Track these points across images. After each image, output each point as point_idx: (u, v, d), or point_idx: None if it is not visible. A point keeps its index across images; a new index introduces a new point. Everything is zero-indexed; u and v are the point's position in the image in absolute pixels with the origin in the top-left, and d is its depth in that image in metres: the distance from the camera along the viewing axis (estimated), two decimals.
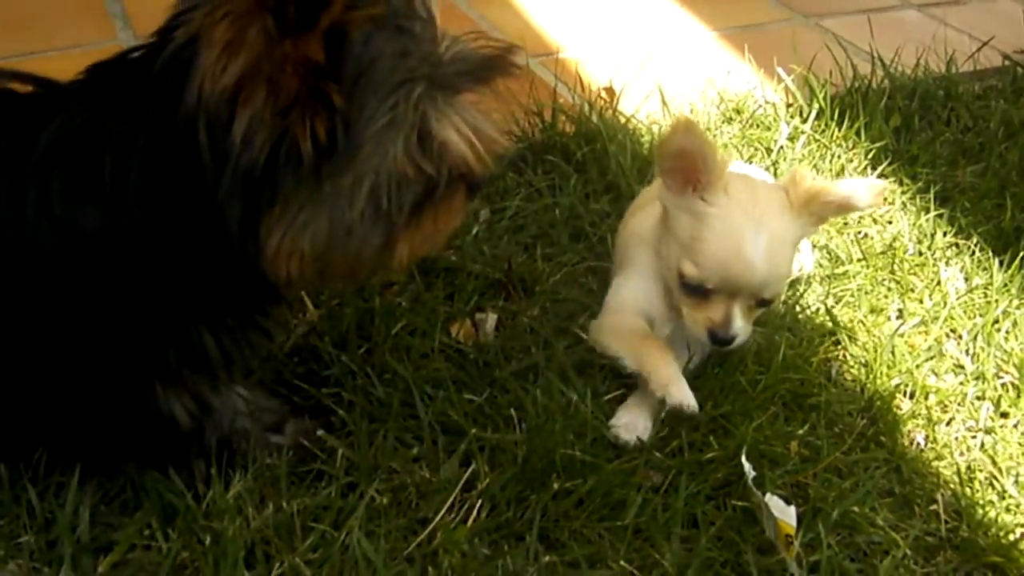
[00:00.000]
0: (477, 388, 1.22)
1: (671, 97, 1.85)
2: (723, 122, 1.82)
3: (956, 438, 1.28)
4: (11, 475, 1.06)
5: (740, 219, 1.19)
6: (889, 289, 1.50)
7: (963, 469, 1.23)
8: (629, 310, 1.30)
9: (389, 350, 1.25)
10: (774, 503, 1.08)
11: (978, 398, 1.34)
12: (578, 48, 2.09)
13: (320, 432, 1.14)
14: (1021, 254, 1.54)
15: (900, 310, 1.46)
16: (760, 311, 1.25)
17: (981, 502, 1.19)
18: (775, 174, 1.66)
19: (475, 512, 1.07)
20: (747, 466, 1.11)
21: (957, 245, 1.61)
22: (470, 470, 1.11)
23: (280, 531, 1.03)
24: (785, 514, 1.07)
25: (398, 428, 1.16)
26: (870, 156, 1.75)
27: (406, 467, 1.12)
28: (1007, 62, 2.24)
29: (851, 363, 1.37)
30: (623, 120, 1.75)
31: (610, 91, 1.82)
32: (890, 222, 1.65)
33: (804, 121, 1.80)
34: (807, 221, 1.23)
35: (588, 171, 1.61)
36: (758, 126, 1.81)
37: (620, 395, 1.25)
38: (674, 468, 1.13)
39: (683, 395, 1.16)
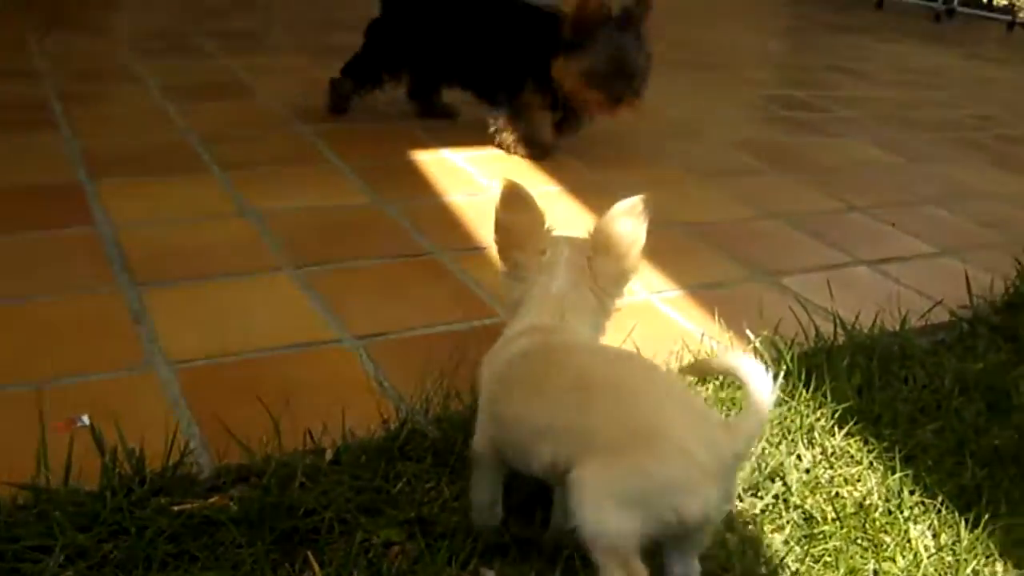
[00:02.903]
0: None
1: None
2: (697, 382, 1.92)
3: None
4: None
5: None
6: (864, 548, 1.58)
7: None
8: None
9: None
10: None
11: None
12: None
13: None
14: (985, 515, 1.64)
15: (875, 571, 1.54)
16: None
17: None
18: None
19: None
20: None
21: (924, 503, 1.69)
22: None
23: None
24: None
25: None
26: (836, 416, 1.85)
27: None
28: (953, 317, 2.40)
29: None
30: None
31: None
32: (859, 480, 1.73)
33: (773, 381, 1.91)
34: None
35: None
36: (730, 386, 1.91)
37: None
38: None
39: None
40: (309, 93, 3.78)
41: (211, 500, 1.52)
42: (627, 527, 1.18)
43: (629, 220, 1.45)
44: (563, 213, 2.77)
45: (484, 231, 2.58)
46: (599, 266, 1.46)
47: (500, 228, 1.47)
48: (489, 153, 3.26)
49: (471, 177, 3.01)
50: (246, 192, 2.71)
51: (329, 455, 1.63)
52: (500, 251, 1.49)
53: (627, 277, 1.50)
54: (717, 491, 1.21)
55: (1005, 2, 10.96)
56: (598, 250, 1.46)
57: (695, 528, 1.22)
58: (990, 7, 10.48)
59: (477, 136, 3.39)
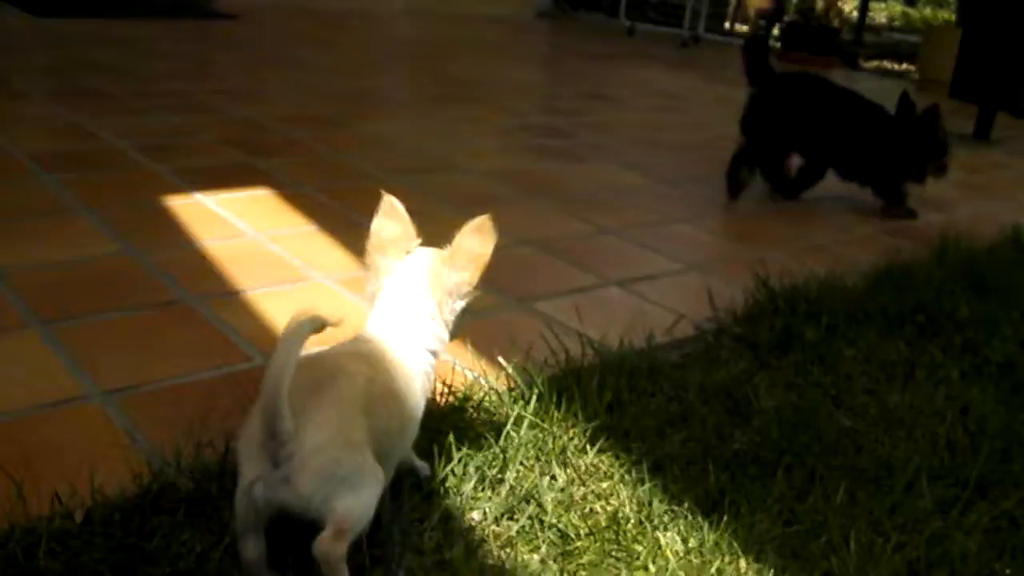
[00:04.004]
0: None
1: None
2: (452, 412, 1.96)
3: None
4: None
5: None
6: (618, 559, 1.64)
7: None
8: None
9: None
10: None
11: None
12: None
13: None
14: (727, 516, 1.74)
15: None
16: None
17: None
18: (503, 460, 1.81)
19: None
20: None
21: (673, 510, 1.78)
22: None
23: None
24: None
25: None
26: (588, 435, 1.92)
27: None
28: (698, 330, 2.52)
29: None
30: None
31: None
32: (611, 494, 1.80)
33: (527, 406, 1.97)
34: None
35: None
36: (486, 412, 1.96)
37: None
38: None
39: None
40: (59, 140, 3.66)
41: None
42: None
43: (475, 237, 1.66)
44: (317, 253, 2.77)
45: (240, 275, 2.56)
46: (447, 276, 1.65)
47: (374, 234, 1.66)
48: (244, 195, 3.22)
49: (226, 221, 2.97)
50: None
51: (79, 516, 1.58)
52: (368, 254, 1.67)
53: (466, 287, 1.67)
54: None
55: (745, 29, 11.61)
56: (447, 262, 1.65)
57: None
58: (731, 33, 11.06)
59: (231, 179, 3.35)
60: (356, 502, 1.37)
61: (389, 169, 3.70)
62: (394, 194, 1.70)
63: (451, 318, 1.68)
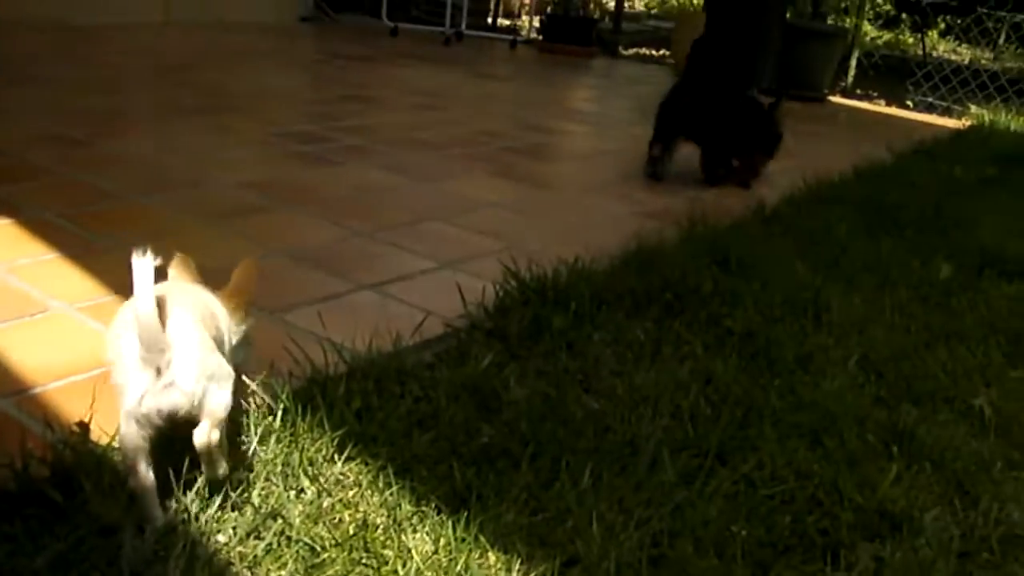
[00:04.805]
0: None
1: None
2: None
3: None
4: None
5: None
6: (366, 566, 1.65)
7: None
8: None
9: None
10: None
11: None
12: (52, 382, 2.13)
13: None
14: (470, 511, 1.77)
15: None
16: None
17: None
18: (249, 479, 1.80)
19: None
20: None
21: (421, 511, 1.80)
22: None
23: None
24: None
25: None
26: (335, 444, 1.92)
27: None
28: (449, 328, 2.56)
29: None
30: (99, 453, 1.80)
31: (83, 424, 1.85)
32: (359, 502, 1.81)
33: (273, 422, 1.95)
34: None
35: (75, 518, 1.64)
36: (229, 433, 1.93)
37: None
38: None
39: None
40: None
41: None
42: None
43: (243, 275, 1.94)
44: (58, 281, 2.66)
45: None
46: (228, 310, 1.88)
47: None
48: None
49: None
50: None
51: None
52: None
53: (241, 315, 1.92)
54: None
55: (508, 23, 11.83)
56: (226, 298, 1.89)
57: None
58: (495, 28, 11.22)
59: None
60: (222, 395, 1.68)
61: (136, 188, 3.57)
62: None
63: (235, 341, 1.91)
